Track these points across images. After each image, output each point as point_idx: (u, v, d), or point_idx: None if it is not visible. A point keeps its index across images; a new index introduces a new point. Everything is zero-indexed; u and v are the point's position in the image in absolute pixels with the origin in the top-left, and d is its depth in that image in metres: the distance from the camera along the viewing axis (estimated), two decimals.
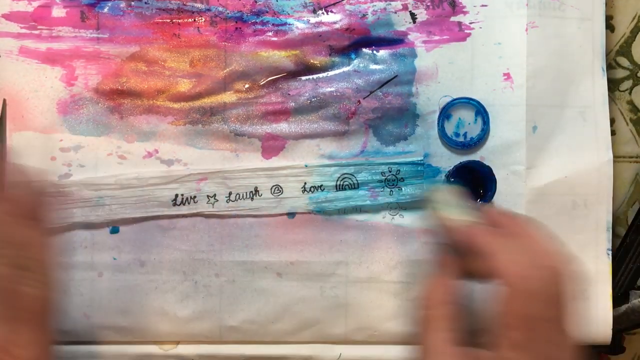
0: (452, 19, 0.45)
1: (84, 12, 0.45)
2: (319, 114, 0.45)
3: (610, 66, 0.48)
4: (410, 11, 0.45)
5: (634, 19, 0.48)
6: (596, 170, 0.45)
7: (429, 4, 0.45)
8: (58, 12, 0.45)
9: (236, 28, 0.45)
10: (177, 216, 0.45)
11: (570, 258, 0.31)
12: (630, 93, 0.48)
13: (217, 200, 0.44)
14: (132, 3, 0.45)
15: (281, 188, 0.45)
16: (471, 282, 0.33)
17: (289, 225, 0.45)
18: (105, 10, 0.45)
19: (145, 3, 0.45)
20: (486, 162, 0.44)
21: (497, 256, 0.30)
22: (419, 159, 0.45)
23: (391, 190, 0.45)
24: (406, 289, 0.45)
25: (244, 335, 0.45)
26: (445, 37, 0.45)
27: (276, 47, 0.45)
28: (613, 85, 0.48)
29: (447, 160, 0.45)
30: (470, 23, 0.45)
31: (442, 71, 0.45)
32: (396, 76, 0.45)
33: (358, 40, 0.45)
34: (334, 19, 0.45)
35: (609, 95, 0.46)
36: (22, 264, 0.32)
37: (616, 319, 0.45)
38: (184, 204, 0.44)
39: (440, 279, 0.34)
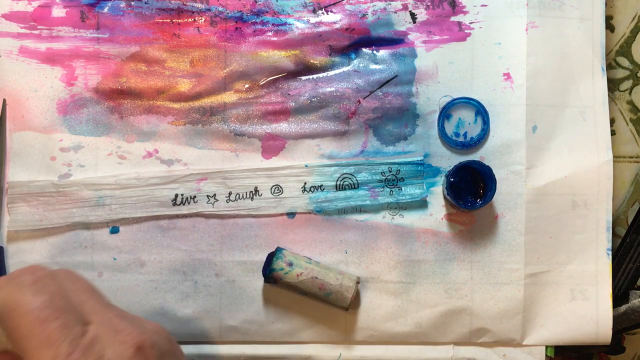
0: (452, 18, 0.45)
1: (84, 12, 0.45)
2: (319, 114, 0.45)
3: (610, 66, 0.48)
4: (410, 11, 0.45)
5: (634, 19, 0.48)
6: (596, 170, 0.45)
7: (429, 3, 0.45)
8: (58, 12, 0.45)
9: (236, 28, 0.45)
10: (177, 216, 0.45)
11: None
12: (630, 93, 0.48)
13: (217, 200, 0.44)
14: (132, 3, 0.45)
15: (281, 188, 0.45)
16: None
17: (289, 225, 0.45)
18: (105, 10, 0.45)
19: (145, 3, 0.45)
20: (486, 162, 0.44)
21: None
22: (419, 159, 0.45)
23: (391, 190, 0.45)
24: (406, 289, 0.45)
25: (244, 335, 0.45)
26: (445, 37, 0.45)
27: (276, 47, 0.45)
28: (613, 85, 0.48)
29: (447, 160, 0.45)
30: (470, 23, 0.45)
31: (442, 71, 0.45)
32: (396, 76, 0.45)
33: (358, 40, 0.45)
34: (334, 18, 0.45)
35: (609, 95, 0.46)
36: None
37: (616, 319, 0.45)
38: (184, 204, 0.44)
39: None
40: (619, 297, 0.45)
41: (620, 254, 0.46)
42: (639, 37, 0.48)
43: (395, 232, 0.45)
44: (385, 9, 0.45)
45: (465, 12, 0.45)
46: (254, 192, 0.45)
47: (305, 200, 0.44)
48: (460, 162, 0.43)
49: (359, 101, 0.45)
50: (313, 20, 0.45)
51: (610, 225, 0.45)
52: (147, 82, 0.45)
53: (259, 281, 0.45)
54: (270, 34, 0.45)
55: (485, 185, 0.43)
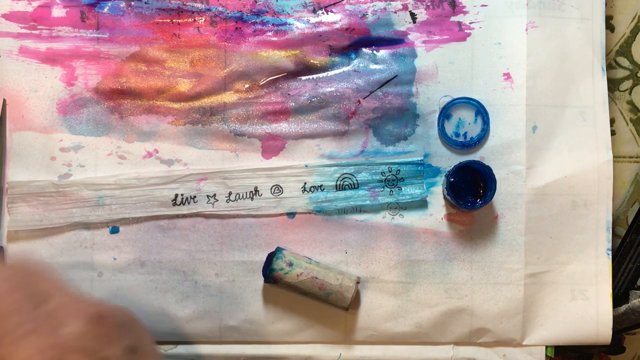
0: (452, 18, 0.45)
1: (84, 12, 0.45)
2: (319, 114, 0.45)
3: (610, 66, 0.48)
4: (410, 11, 0.45)
5: (634, 19, 0.48)
6: (596, 170, 0.45)
7: (429, 3, 0.45)
8: (58, 12, 0.45)
9: (236, 28, 0.45)
10: (177, 216, 0.45)
11: None
12: (630, 93, 0.48)
13: (217, 200, 0.44)
14: (132, 3, 0.45)
15: (281, 188, 0.45)
16: None
17: (289, 225, 0.45)
18: (105, 10, 0.45)
19: (145, 3, 0.45)
20: (486, 162, 0.44)
21: None
22: (419, 159, 0.45)
23: (391, 190, 0.45)
24: (406, 289, 0.45)
25: (244, 335, 0.45)
26: (445, 37, 0.45)
27: (276, 47, 0.45)
28: (613, 85, 0.48)
29: (447, 160, 0.45)
30: (470, 23, 0.45)
31: (442, 71, 0.45)
32: (396, 76, 0.45)
33: (358, 40, 0.45)
34: (334, 18, 0.45)
35: (609, 95, 0.46)
36: None
37: (616, 319, 0.45)
38: (184, 204, 0.44)
39: None
40: (619, 297, 0.45)
41: (620, 254, 0.46)
42: (639, 37, 0.48)
43: (395, 232, 0.45)
44: (385, 9, 0.45)
45: (465, 12, 0.45)
46: (254, 192, 0.45)
47: (305, 200, 0.44)
48: (460, 162, 0.43)
49: (359, 101, 0.45)
50: (313, 20, 0.45)
51: (610, 225, 0.45)
52: (147, 82, 0.45)
53: (259, 281, 0.45)
54: (270, 34, 0.45)
55: (485, 185, 0.43)
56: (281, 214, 0.45)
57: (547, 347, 0.45)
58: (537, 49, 0.45)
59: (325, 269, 0.43)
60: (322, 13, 0.45)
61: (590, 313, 0.45)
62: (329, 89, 0.45)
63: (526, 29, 0.45)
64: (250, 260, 0.45)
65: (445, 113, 0.45)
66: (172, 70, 0.45)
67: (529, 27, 0.45)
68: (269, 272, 0.43)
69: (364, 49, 0.45)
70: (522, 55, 0.45)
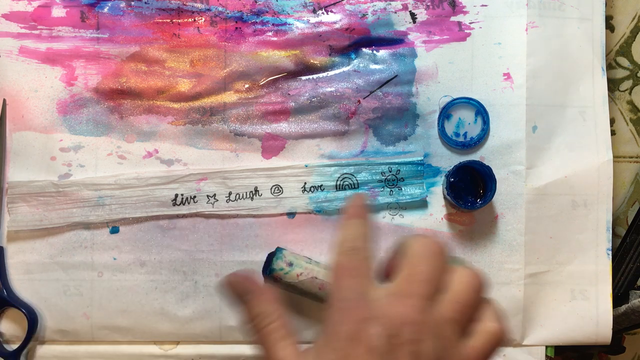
0: (452, 18, 0.45)
1: (84, 12, 0.45)
2: (319, 114, 0.45)
3: (610, 66, 0.48)
4: (410, 11, 0.45)
5: (634, 19, 0.48)
6: (596, 170, 0.45)
7: (429, 3, 0.45)
8: (58, 12, 0.45)
9: (236, 28, 0.45)
10: (177, 216, 0.45)
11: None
12: (630, 93, 0.48)
13: (217, 200, 0.44)
14: (132, 3, 0.45)
15: (281, 188, 0.45)
16: None
17: (289, 225, 0.45)
18: (105, 10, 0.45)
19: (145, 3, 0.45)
20: (486, 162, 0.44)
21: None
22: (419, 159, 0.45)
23: (391, 190, 0.45)
24: None
25: (244, 335, 0.45)
26: (445, 37, 0.45)
27: (276, 47, 0.45)
28: (613, 85, 0.48)
29: (447, 160, 0.45)
30: (470, 23, 0.45)
31: (442, 71, 0.45)
32: (396, 76, 0.45)
33: (358, 40, 0.45)
34: (334, 18, 0.45)
35: (609, 95, 0.46)
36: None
37: (616, 319, 0.45)
38: (184, 204, 0.44)
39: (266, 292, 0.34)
40: (619, 297, 0.45)
41: (620, 254, 0.46)
42: (639, 37, 0.48)
43: (396, 232, 0.45)
44: (385, 9, 0.45)
45: (465, 12, 0.45)
46: (254, 192, 0.45)
47: (305, 200, 0.44)
48: (460, 162, 0.43)
49: (359, 101, 0.45)
50: (313, 20, 0.45)
51: (610, 225, 0.45)
52: (147, 82, 0.45)
53: (259, 281, 0.45)
54: (270, 34, 0.45)
55: (485, 185, 0.43)
56: (281, 214, 0.45)
57: (547, 347, 0.45)
58: (537, 49, 0.45)
59: (326, 269, 0.43)
60: (322, 13, 0.45)
61: (590, 313, 0.45)
62: (329, 89, 0.45)
63: (526, 29, 0.45)
64: (250, 260, 0.45)
65: (445, 113, 0.45)
66: (172, 70, 0.45)
67: (529, 27, 0.45)
68: (269, 272, 0.42)
69: (364, 49, 0.45)
70: (522, 55, 0.45)
